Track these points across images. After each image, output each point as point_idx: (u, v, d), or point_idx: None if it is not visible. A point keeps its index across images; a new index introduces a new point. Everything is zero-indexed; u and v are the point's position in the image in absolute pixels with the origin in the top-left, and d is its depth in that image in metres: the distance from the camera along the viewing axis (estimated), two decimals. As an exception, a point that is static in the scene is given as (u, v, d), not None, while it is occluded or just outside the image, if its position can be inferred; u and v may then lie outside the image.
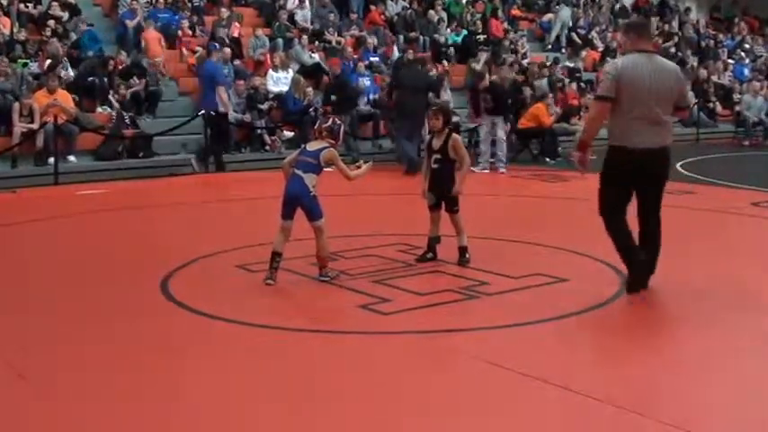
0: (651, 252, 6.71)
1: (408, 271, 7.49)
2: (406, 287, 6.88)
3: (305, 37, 19.15)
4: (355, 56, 19.14)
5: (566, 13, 25.25)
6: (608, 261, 7.64)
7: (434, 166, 7.76)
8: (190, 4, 19.87)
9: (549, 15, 25.50)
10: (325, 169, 7.12)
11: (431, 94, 15.77)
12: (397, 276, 7.27)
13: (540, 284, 6.96)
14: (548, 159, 16.89)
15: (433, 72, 17.95)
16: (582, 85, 21.52)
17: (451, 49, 21.90)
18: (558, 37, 25.09)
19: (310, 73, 18.10)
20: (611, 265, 7.50)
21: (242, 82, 16.53)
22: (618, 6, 28.64)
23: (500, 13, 24.97)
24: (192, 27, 18.95)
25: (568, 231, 9.53)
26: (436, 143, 7.78)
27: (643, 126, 6.49)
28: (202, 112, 15.28)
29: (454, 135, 7.81)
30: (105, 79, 16.11)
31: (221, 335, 5.79)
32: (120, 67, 16.74)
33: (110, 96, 15.82)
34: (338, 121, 7.42)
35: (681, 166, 15.87)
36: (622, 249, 6.69)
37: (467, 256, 7.73)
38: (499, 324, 5.92)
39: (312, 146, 7.17)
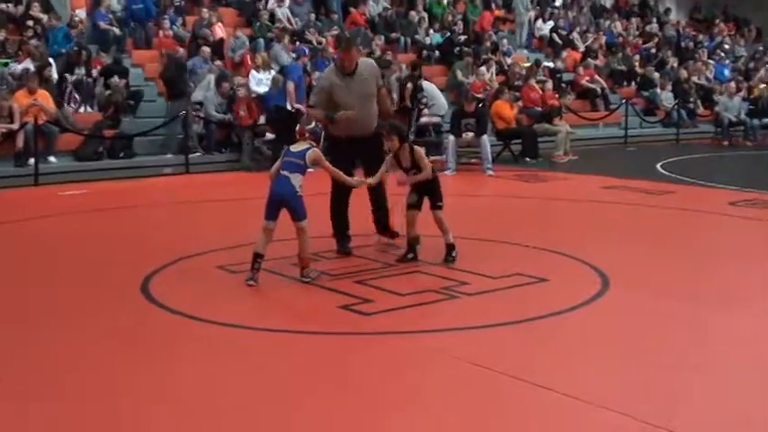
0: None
1: (389, 271, 7.49)
2: (387, 287, 6.88)
3: (287, 37, 19.11)
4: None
5: (523, 15, 25.31)
6: (589, 261, 7.68)
7: (415, 178, 7.80)
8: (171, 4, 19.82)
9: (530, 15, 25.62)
10: (308, 170, 7.13)
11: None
12: (379, 277, 7.27)
13: (520, 284, 6.97)
14: (528, 159, 16.94)
15: (396, 74, 17.93)
16: (563, 85, 21.60)
17: (436, 52, 21.94)
18: (532, 36, 25.24)
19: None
20: (592, 265, 7.54)
21: (226, 83, 16.45)
22: (599, 6, 28.80)
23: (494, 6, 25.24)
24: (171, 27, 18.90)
25: (549, 231, 9.56)
26: (405, 162, 7.78)
27: None
28: (183, 112, 15.30)
29: (416, 148, 7.82)
30: (87, 79, 16.04)
31: (201, 335, 5.76)
32: (100, 67, 16.68)
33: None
34: (319, 125, 7.52)
35: (661, 165, 15.98)
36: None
37: (454, 254, 7.74)
38: (480, 324, 5.92)
39: (296, 147, 7.19)
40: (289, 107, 16.41)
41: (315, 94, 8.55)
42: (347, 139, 8.20)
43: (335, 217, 8.39)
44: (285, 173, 7.03)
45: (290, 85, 16.69)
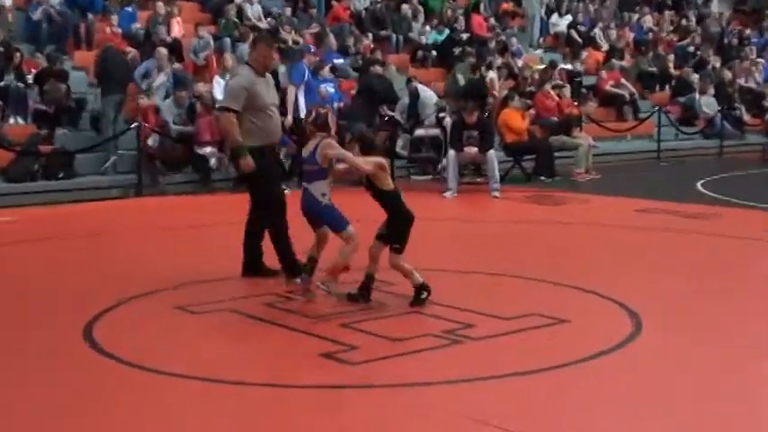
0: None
1: (380, 312, 7.48)
2: (377, 331, 6.87)
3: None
4: (316, 58, 19.04)
5: (536, 9, 25.46)
6: (617, 298, 7.68)
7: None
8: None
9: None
10: (337, 166, 7.33)
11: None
12: (368, 318, 7.25)
13: (535, 327, 6.97)
14: (543, 178, 17.00)
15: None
16: (583, 90, 21.71)
17: (433, 52, 22.08)
18: (547, 33, 25.40)
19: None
20: (621, 303, 7.54)
21: (183, 91, 16.44)
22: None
23: (482, 8, 25.13)
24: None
25: (569, 263, 9.57)
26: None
27: None
28: (135, 124, 15.32)
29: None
30: (18, 84, 16.03)
31: (155, 389, 5.74)
32: (35, 71, 16.67)
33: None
34: (321, 110, 7.66)
35: (701, 184, 16.03)
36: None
37: (423, 295, 7.58)
38: (487, 375, 5.91)
39: (307, 149, 7.40)
40: (288, 119, 15.81)
41: (234, 96, 8.51)
42: (270, 147, 8.67)
43: (282, 244, 8.53)
44: (305, 185, 7.51)
45: (291, 92, 16.12)
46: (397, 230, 7.58)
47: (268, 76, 8.82)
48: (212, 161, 15.77)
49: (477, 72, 18.58)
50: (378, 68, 18.14)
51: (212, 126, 15.42)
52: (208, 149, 15.79)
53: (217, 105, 8.82)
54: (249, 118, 8.44)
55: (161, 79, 16.92)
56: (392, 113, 17.76)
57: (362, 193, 7.70)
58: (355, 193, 8.28)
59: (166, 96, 16.59)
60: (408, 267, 7.62)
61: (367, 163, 7.43)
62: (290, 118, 15.65)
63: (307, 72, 16.49)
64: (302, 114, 15.47)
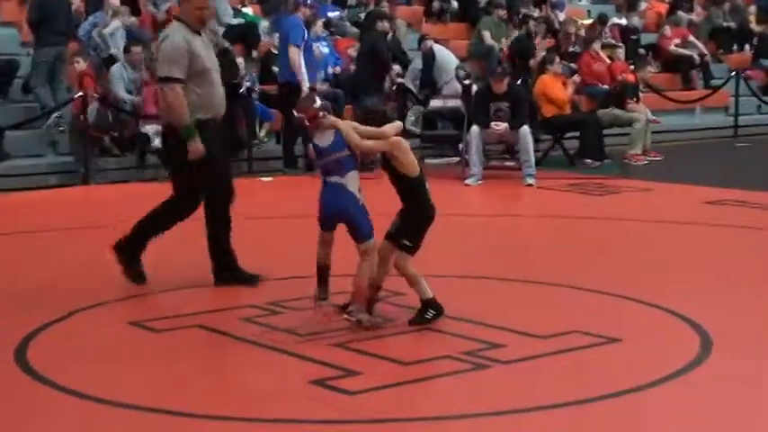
0: None
1: (388, 329, 7.50)
2: (382, 353, 6.90)
3: None
4: (312, 10, 18.23)
5: None
6: (682, 312, 7.70)
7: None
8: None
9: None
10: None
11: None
12: (370, 337, 7.29)
13: (578, 347, 7.00)
14: (589, 161, 17.02)
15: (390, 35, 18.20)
16: (641, 51, 21.68)
17: (453, 3, 22.08)
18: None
19: (239, 37, 18.15)
20: (687, 319, 7.56)
21: (139, 50, 16.45)
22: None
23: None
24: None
25: (622, 269, 9.59)
26: None
27: None
28: (80, 94, 15.33)
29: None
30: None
31: (98, 423, 5.77)
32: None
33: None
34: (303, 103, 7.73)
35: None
36: None
37: (429, 314, 7.56)
38: (517, 407, 5.93)
39: (321, 140, 7.46)
40: (305, 87, 15.78)
41: (173, 61, 8.59)
42: (214, 122, 8.78)
43: (221, 242, 8.83)
44: (334, 179, 7.44)
45: (293, 53, 16.00)
46: (411, 224, 7.60)
47: (204, 33, 8.90)
48: (156, 141, 15.00)
49: (524, 27, 18.52)
50: (384, 24, 18.09)
51: (158, 96, 15.18)
52: (151, 127, 15.34)
53: (157, 75, 8.74)
54: (190, 87, 8.52)
55: (115, 25, 16.85)
56: (402, 80, 17.77)
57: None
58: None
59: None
60: (416, 274, 7.60)
61: (379, 137, 7.49)
62: (305, 87, 15.66)
63: (305, 30, 16.45)
64: (305, 83, 15.69)
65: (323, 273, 7.67)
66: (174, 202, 8.76)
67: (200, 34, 8.75)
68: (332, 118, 7.51)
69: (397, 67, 17.91)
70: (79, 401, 6.10)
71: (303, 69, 15.84)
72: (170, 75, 8.53)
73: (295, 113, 7.74)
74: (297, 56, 15.91)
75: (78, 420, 5.90)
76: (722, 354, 6.85)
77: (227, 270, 8.75)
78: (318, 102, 7.61)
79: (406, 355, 6.87)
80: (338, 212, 7.52)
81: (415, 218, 7.58)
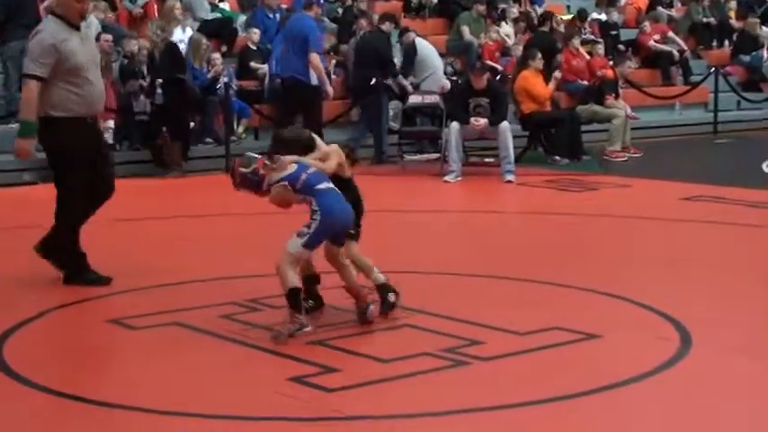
0: None
1: (363, 326, 7.51)
2: (360, 350, 6.92)
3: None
4: (319, 10, 17.80)
5: None
6: (660, 308, 7.73)
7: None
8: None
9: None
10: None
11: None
12: (350, 334, 7.30)
13: (557, 344, 7.02)
14: (558, 158, 16.97)
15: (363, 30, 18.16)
16: (620, 47, 21.73)
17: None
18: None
19: (215, 32, 18.11)
20: (666, 315, 7.58)
21: (109, 37, 16.21)
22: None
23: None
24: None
25: (601, 265, 9.62)
26: None
27: None
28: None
29: None
30: None
31: (75, 423, 5.78)
32: None
33: None
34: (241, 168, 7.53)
35: None
36: None
37: (392, 297, 7.68)
38: (497, 404, 5.95)
39: (285, 171, 7.34)
40: (330, 91, 16.21)
41: (36, 59, 8.52)
42: (88, 119, 8.75)
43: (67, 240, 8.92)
44: (323, 186, 7.27)
45: (316, 59, 15.80)
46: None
47: (86, 28, 8.88)
48: (107, 135, 14.78)
49: (548, 23, 18.51)
50: (389, 25, 17.80)
51: (110, 91, 15.10)
52: (108, 123, 15.38)
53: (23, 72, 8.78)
54: (61, 85, 8.45)
55: (90, 19, 16.77)
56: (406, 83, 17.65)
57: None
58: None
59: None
60: (369, 262, 7.71)
61: (330, 159, 7.53)
62: (329, 90, 16.02)
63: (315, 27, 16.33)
64: (329, 88, 15.95)
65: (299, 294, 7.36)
66: (59, 201, 8.83)
67: (78, 29, 8.63)
68: (283, 158, 7.38)
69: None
70: (55, 399, 6.10)
71: (324, 75, 15.96)
72: (27, 71, 8.57)
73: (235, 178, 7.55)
74: (320, 61, 15.93)
75: (54, 418, 5.90)
76: (701, 350, 6.87)
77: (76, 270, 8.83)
78: (254, 156, 7.53)
79: (385, 352, 6.88)
80: (351, 215, 7.46)
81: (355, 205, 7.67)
